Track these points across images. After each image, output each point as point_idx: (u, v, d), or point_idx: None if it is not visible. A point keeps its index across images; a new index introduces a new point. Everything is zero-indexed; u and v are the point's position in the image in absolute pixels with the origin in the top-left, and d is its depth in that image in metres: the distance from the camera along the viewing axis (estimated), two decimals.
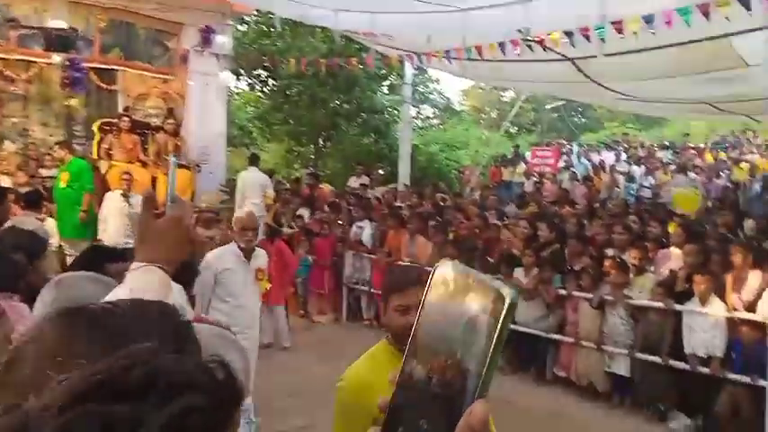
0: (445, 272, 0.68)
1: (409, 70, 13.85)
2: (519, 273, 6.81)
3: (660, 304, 5.80)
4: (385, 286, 2.10)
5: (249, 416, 3.70)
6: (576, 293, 6.40)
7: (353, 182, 12.77)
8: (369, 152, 16.20)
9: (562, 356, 6.56)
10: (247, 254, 4.65)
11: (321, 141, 17.60)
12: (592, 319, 6.27)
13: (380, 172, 14.00)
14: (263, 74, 17.50)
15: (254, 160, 10.47)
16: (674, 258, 6.50)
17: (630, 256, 6.21)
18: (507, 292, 0.61)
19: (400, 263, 7.71)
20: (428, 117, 27.72)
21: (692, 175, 12.40)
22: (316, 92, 15.85)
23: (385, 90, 19.04)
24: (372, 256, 8.70)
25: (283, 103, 17.01)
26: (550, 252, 6.95)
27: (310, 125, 16.63)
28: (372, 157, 15.74)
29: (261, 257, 4.75)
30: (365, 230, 9.11)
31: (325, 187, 12.47)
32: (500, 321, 0.60)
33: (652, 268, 6.42)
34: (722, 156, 15.72)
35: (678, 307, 5.72)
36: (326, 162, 17.36)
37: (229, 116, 13.07)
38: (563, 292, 6.53)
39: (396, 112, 17.05)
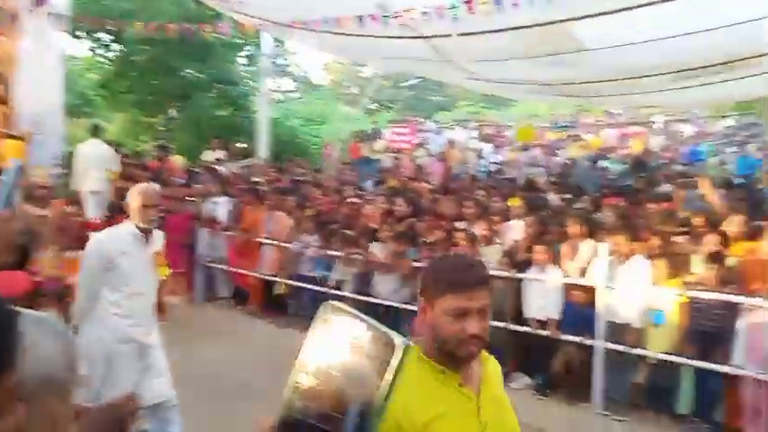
0: (332, 315, 0.69)
1: (267, 41, 13.47)
2: (376, 247, 6.94)
3: (505, 273, 6.18)
4: (433, 279, 1.66)
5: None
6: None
7: (208, 156, 12.25)
8: (225, 125, 15.59)
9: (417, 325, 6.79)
10: (147, 235, 4.00)
11: (172, 112, 16.64)
12: None
13: (238, 146, 13.54)
14: (107, 37, 16.11)
15: (95, 131, 9.69)
16: (516, 229, 6.94)
17: (479, 229, 6.54)
18: (399, 343, 0.64)
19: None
20: (288, 91, 27.30)
21: (534, 151, 13.34)
22: (166, 59, 14.90)
23: (242, 61, 18.39)
24: (228, 233, 8.43)
25: (129, 70, 15.82)
26: (405, 226, 7.15)
27: (160, 95, 15.64)
28: (229, 130, 15.17)
29: (158, 240, 4.14)
30: (220, 206, 8.79)
31: (176, 160, 11.84)
32: (393, 367, 0.62)
33: (498, 240, 6.83)
34: (559, 135, 17.08)
35: (520, 275, 6.14)
36: (178, 135, 16.46)
37: (68, 83, 11.91)
38: (417, 264, 6.75)
39: (254, 84, 16.54)
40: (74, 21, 12.14)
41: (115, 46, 16.34)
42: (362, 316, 0.69)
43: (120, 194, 8.80)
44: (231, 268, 8.34)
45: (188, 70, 15.55)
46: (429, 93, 31.50)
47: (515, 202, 7.50)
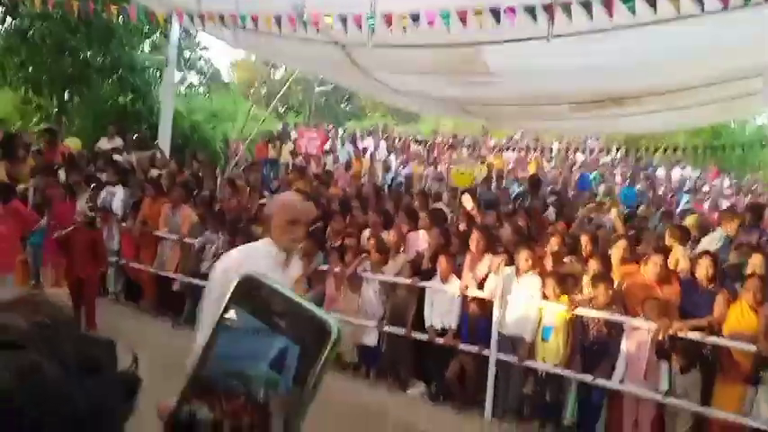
0: (250, 285, 0.60)
1: (175, 31, 13.03)
2: None
3: (408, 281, 6.34)
4: None
5: None
6: (336, 269, 6.68)
7: (104, 143, 11.65)
8: (124, 112, 14.86)
9: None
10: (288, 256, 3.04)
11: (67, 95, 15.63)
12: (349, 293, 6.62)
13: (136, 136, 12.96)
14: None
15: None
16: (422, 240, 7.14)
17: (389, 236, 6.68)
18: (332, 326, 0.56)
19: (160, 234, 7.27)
20: (192, 84, 26.41)
21: (439, 168, 13.75)
22: (64, 38, 14.02)
23: (146, 48, 17.63)
24: (123, 224, 8.06)
25: (21, 46, 14.72)
26: (314, 229, 7.15)
27: (54, 75, 14.66)
28: (128, 118, 14.48)
29: (296, 265, 3.22)
30: (116, 197, 8.38)
31: (70, 144, 11.16)
32: (323, 356, 0.55)
33: (402, 249, 6.99)
34: (465, 153, 17.72)
35: (422, 284, 6.32)
36: (72, 119, 15.49)
37: None
38: (324, 267, 6.77)
39: (157, 73, 15.88)
40: None
41: (9, 19, 15.18)
42: (289, 293, 0.60)
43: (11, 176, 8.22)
44: (124, 261, 7.96)
45: (87, 52, 14.70)
46: (340, 101, 31.66)
47: (422, 215, 7.70)
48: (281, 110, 25.95)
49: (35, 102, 15.33)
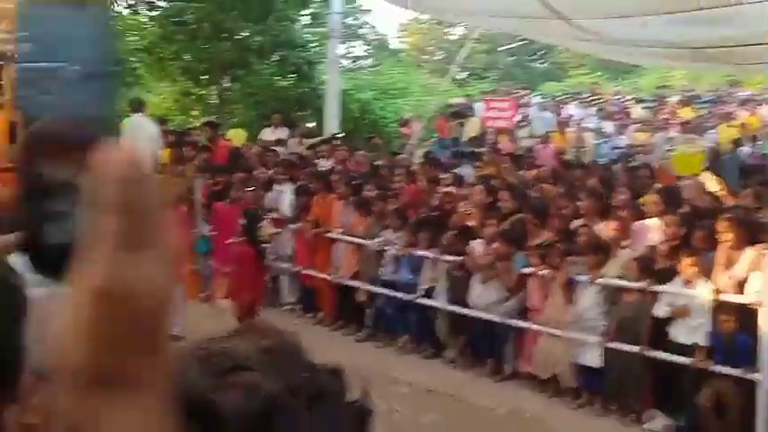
0: None
1: None
2: (475, 247, 6.94)
3: (639, 284, 6.04)
4: None
5: None
6: (541, 272, 6.58)
7: (268, 134, 12.56)
8: (287, 97, 15.94)
9: (524, 347, 6.77)
10: None
11: (226, 82, 17.15)
12: (559, 302, 6.48)
13: (308, 125, 13.79)
14: None
15: (139, 106, 10.08)
16: (652, 231, 6.76)
17: (608, 228, 6.43)
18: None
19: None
20: (358, 57, 27.61)
21: (672, 133, 12.91)
22: (219, 19, 15.38)
23: (306, 20, 18.71)
24: (294, 226, 8.64)
25: (176, 33, 16.41)
26: (511, 223, 7.10)
27: (212, 61, 16.15)
28: (292, 103, 15.50)
29: None
30: (285, 195, 9.00)
31: (233, 139, 12.20)
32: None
33: (627, 242, 6.68)
34: (704, 111, 16.44)
35: (658, 288, 5.99)
36: (233, 109, 16.95)
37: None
38: (526, 270, 6.70)
39: (320, 48, 16.80)
40: None
41: (161, 4, 17.01)
42: None
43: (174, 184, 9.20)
44: (298, 268, 8.53)
45: (244, 33, 15.97)
46: (533, 59, 31.10)
47: (650, 199, 7.31)
48: (463, 77, 26.11)
49: (195, 93, 16.98)
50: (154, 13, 17.56)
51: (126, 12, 18.05)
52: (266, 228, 7.14)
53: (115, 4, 16.87)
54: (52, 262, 0.68)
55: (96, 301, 0.44)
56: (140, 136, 9.42)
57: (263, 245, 7.09)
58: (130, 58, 17.40)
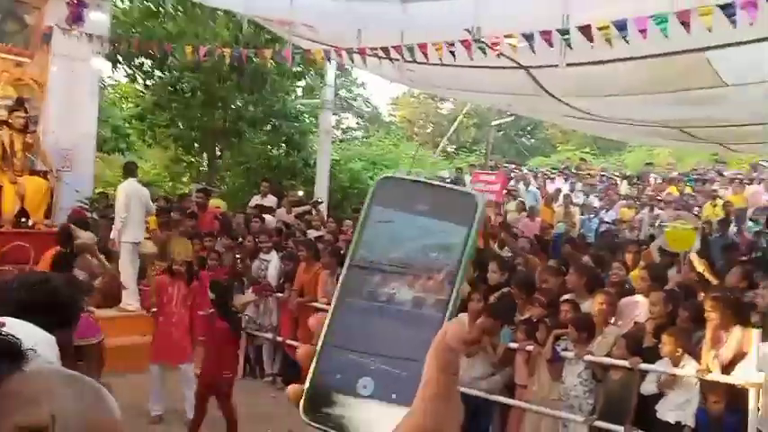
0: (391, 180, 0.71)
1: (331, 70, 13.90)
2: (463, 317, 6.82)
3: (626, 362, 5.94)
4: None
5: None
6: (528, 347, 6.48)
7: (257, 201, 12.57)
8: (278, 166, 16.05)
9: (509, 425, 6.60)
10: None
11: (217, 150, 17.27)
12: (546, 378, 6.36)
13: (299, 193, 13.81)
14: (147, 63, 17.05)
15: (130, 170, 10.01)
16: (640, 307, 6.71)
17: (595, 304, 6.36)
18: (478, 195, 0.66)
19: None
20: (350, 128, 27.94)
21: (657, 210, 12.99)
22: (214, 89, 15.58)
23: (299, 92, 19.02)
24: (279, 295, 8.53)
25: (171, 101, 16.61)
26: (499, 297, 7.03)
27: (205, 129, 16.30)
28: (282, 172, 15.59)
29: None
30: (271, 264, 8.93)
31: (216, 204, 12.17)
32: (472, 228, 0.65)
33: (613, 319, 6.61)
34: (688, 190, 16.59)
35: (645, 366, 5.89)
36: (224, 176, 17.03)
37: (101, 113, 12.60)
38: (513, 345, 6.59)
39: (312, 119, 17.02)
40: (113, 44, 12.86)
41: (157, 73, 17.25)
42: (427, 178, 0.71)
43: (162, 246, 9.11)
44: (281, 338, 8.39)
45: (239, 103, 16.18)
46: (522, 134, 31.55)
47: (637, 275, 7.28)
48: (452, 150, 26.43)
49: (185, 161, 17.07)
50: (150, 82, 17.79)
51: (124, 80, 18.34)
52: (239, 298, 6.90)
53: (114, 72, 17.14)
54: None
55: None
56: (133, 201, 9.29)
57: (236, 315, 6.83)
58: (124, 125, 17.58)
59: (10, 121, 10.02)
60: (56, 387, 0.80)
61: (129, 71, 17.71)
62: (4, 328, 1.21)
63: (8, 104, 10.43)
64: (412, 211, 0.68)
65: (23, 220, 9.16)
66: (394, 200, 0.70)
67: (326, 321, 0.70)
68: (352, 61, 9.10)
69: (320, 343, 0.70)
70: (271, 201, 12.50)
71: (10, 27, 10.97)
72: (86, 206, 10.27)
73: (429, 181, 0.69)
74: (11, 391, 0.74)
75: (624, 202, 15.29)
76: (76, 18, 10.81)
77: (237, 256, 9.21)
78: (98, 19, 11.21)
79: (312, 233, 10.42)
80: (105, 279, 7.38)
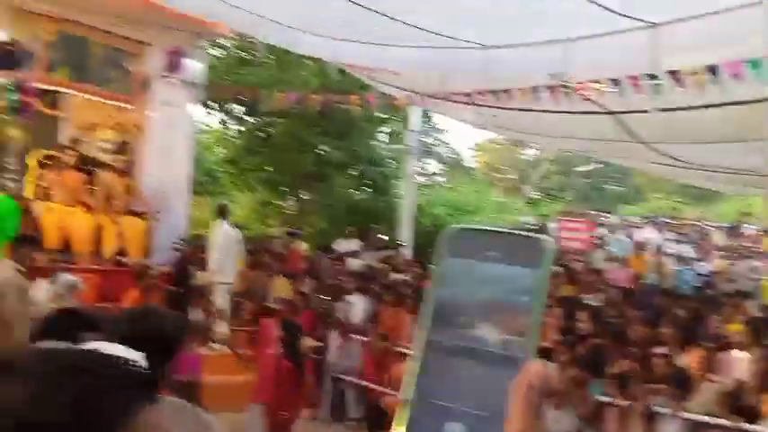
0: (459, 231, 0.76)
1: (415, 116, 14.03)
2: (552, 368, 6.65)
3: (725, 421, 5.65)
4: None
5: None
6: (619, 402, 6.24)
7: (341, 245, 12.70)
8: (362, 210, 16.21)
9: None
10: None
11: (304, 194, 17.62)
12: None
13: (381, 237, 13.86)
14: (239, 109, 17.67)
15: (223, 212, 10.24)
16: (739, 364, 6.40)
17: (692, 359, 6.11)
18: (544, 239, 0.70)
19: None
20: (433, 173, 28.02)
21: (755, 262, 12.41)
22: (302, 134, 15.96)
23: (383, 137, 19.25)
24: (364, 338, 8.53)
25: (261, 146, 17.11)
26: (589, 349, 6.82)
27: (292, 173, 16.68)
28: (367, 215, 15.73)
29: None
30: (356, 306, 8.97)
31: (300, 247, 12.33)
32: (542, 271, 0.68)
33: (712, 375, 6.33)
34: None
35: (747, 426, 5.58)
36: (309, 219, 17.32)
37: (195, 157, 13.07)
38: (603, 399, 6.36)
39: (397, 164, 17.17)
40: (207, 90, 13.42)
41: (248, 119, 17.84)
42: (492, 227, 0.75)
43: (248, 286, 9.29)
44: (365, 382, 8.34)
45: (325, 147, 16.51)
46: (610, 182, 30.88)
47: (736, 327, 6.95)
48: (536, 197, 26.11)
49: (273, 204, 17.47)
50: (241, 128, 18.40)
51: (217, 125, 19.05)
52: (306, 340, 6.87)
53: (207, 117, 17.83)
54: None
55: None
56: (225, 242, 9.54)
57: (302, 357, 6.81)
58: (216, 168, 18.18)
59: (112, 163, 10.54)
60: (188, 422, 0.81)
61: (222, 117, 18.41)
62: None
63: (110, 148, 10.99)
64: (482, 258, 0.72)
65: (122, 259, 9.51)
66: (463, 248, 0.74)
67: (411, 369, 0.71)
68: (436, 106, 9.16)
69: (408, 391, 0.71)
70: (355, 244, 12.60)
71: (112, 74, 11.56)
72: (183, 246, 10.54)
73: (495, 229, 0.74)
74: (150, 422, 0.74)
75: (720, 253, 14.68)
76: (174, 66, 11.35)
77: (322, 297, 9.29)
78: (194, 67, 11.69)
79: (396, 276, 10.42)
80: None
